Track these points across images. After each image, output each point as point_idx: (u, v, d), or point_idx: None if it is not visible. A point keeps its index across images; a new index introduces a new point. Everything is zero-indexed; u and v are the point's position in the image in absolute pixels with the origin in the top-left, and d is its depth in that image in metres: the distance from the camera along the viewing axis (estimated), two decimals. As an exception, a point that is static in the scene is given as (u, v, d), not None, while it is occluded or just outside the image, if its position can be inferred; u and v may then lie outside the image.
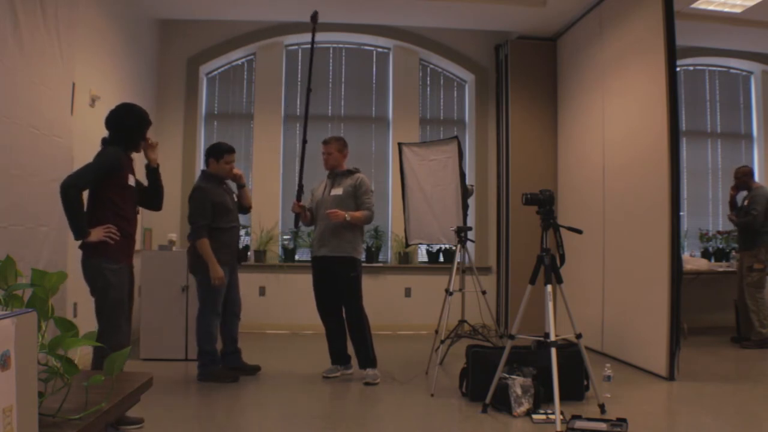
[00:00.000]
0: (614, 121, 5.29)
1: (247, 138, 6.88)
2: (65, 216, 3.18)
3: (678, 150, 4.49)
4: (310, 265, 4.60)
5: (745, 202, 5.83)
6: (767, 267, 5.70)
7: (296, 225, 4.66)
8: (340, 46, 6.98)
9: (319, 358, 4.80)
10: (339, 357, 4.55)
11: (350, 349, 4.53)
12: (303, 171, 4.57)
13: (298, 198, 4.53)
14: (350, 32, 6.78)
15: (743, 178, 5.92)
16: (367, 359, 4.40)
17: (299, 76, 6.97)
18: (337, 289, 4.43)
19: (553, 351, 3.27)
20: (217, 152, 4.37)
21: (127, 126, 3.36)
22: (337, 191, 4.45)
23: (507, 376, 3.61)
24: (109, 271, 3.22)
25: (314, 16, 4.42)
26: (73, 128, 4.21)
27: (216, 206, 4.26)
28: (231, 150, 4.43)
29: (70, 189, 3.14)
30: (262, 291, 6.56)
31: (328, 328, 4.53)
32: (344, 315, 4.45)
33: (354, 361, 4.54)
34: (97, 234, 3.16)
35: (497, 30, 6.79)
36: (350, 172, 4.54)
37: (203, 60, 6.71)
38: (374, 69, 7.06)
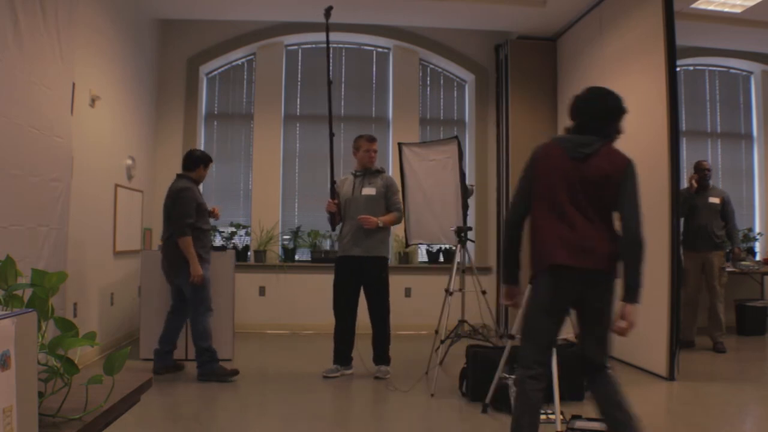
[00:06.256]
0: (614, 121, 5.28)
1: (247, 138, 6.88)
2: (503, 256, 2.66)
3: (678, 150, 4.49)
4: (334, 262, 4.57)
5: (714, 200, 5.62)
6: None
7: (333, 226, 4.59)
8: (340, 46, 6.98)
9: (319, 358, 4.81)
10: (343, 357, 4.54)
11: (350, 350, 4.55)
12: (333, 168, 4.48)
13: (332, 196, 4.47)
14: (350, 32, 6.78)
15: (707, 173, 5.66)
16: (383, 356, 4.48)
17: (299, 76, 6.97)
18: (360, 288, 4.47)
19: (553, 351, 3.27)
20: (208, 160, 4.59)
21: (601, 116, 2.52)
22: (370, 191, 4.45)
23: (507, 376, 3.60)
24: None
25: (327, 12, 4.39)
26: (73, 128, 4.21)
27: (199, 207, 4.38)
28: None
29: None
30: (262, 291, 6.56)
31: (341, 327, 4.51)
32: (369, 312, 4.46)
33: (354, 362, 4.55)
34: None
35: (497, 30, 6.79)
36: (378, 172, 4.56)
37: (203, 60, 6.70)
38: (374, 69, 7.06)
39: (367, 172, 4.53)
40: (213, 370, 4.31)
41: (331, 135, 4.46)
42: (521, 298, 2.73)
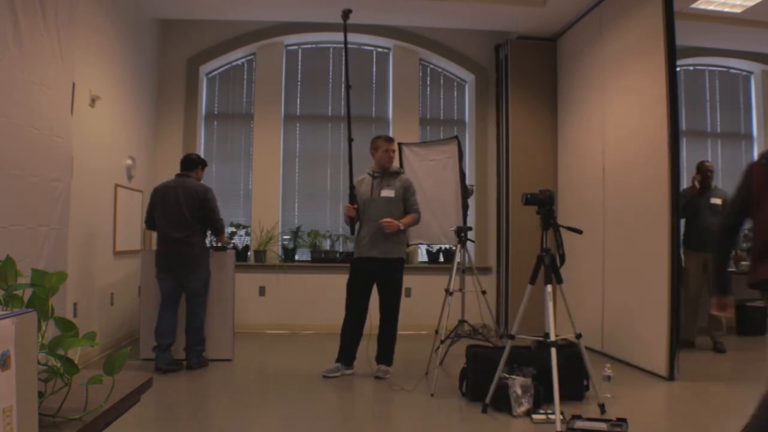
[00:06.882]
0: (614, 121, 5.29)
1: (247, 138, 6.88)
2: (714, 263, 2.71)
3: (678, 150, 4.49)
4: (350, 263, 4.58)
5: (716, 201, 5.57)
6: None
7: (352, 229, 4.59)
8: (340, 46, 6.96)
9: (319, 358, 4.81)
10: (347, 356, 4.53)
11: (356, 348, 4.55)
12: (352, 172, 4.45)
13: (351, 201, 4.45)
14: (350, 32, 6.69)
15: (710, 174, 5.65)
16: (387, 356, 4.49)
17: (299, 76, 6.97)
18: (372, 288, 4.49)
19: (553, 351, 3.27)
20: (204, 163, 4.86)
21: None
22: (388, 193, 4.44)
23: (507, 376, 3.61)
24: None
25: (345, 14, 4.37)
26: (73, 128, 4.21)
27: None
28: None
29: None
30: (262, 291, 6.56)
31: (350, 326, 4.51)
32: (380, 311, 4.47)
33: (355, 362, 4.55)
34: None
35: (497, 30, 6.79)
36: (397, 173, 4.56)
37: (203, 60, 6.71)
38: (374, 69, 7.06)
39: (386, 173, 4.52)
40: (205, 359, 4.67)
41: (350, 140, 4.43)
42: (731, 309, 2.63)
